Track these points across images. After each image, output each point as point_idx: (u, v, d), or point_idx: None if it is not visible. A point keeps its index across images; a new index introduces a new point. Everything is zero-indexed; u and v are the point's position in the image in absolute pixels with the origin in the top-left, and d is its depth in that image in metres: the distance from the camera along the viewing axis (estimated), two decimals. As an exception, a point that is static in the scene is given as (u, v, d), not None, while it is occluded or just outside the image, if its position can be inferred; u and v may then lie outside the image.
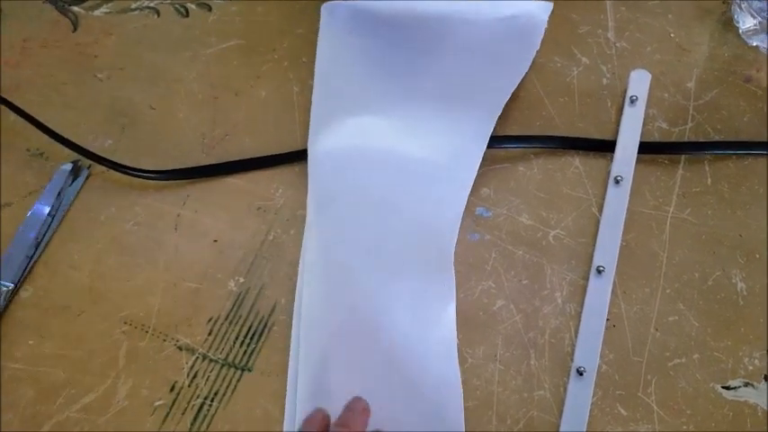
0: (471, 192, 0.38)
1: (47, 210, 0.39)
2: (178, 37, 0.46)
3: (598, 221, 0.38)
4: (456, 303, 0.35)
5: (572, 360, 0.34)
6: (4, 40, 0.46)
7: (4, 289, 0.37)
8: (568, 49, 0.44)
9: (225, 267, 0.38)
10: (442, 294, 0.36)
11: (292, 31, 0.46)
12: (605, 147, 0.40)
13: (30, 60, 0.46)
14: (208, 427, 0.34)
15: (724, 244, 0.37)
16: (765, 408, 0.33)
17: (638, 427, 0.33)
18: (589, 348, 0.34)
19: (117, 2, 0.48)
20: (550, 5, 0.41)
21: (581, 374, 0.34)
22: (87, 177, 0.41)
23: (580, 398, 0.33)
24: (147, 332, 0.36)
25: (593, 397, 0.33)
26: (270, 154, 0.41)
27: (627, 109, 0.41)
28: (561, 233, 0.38)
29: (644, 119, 0.40)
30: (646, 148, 0.39)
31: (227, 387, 0.35)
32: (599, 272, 0.36)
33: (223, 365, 0.35)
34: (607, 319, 0.35)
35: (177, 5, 0.48)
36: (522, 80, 0.41)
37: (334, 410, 0.30)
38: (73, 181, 0.40)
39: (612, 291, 0.36)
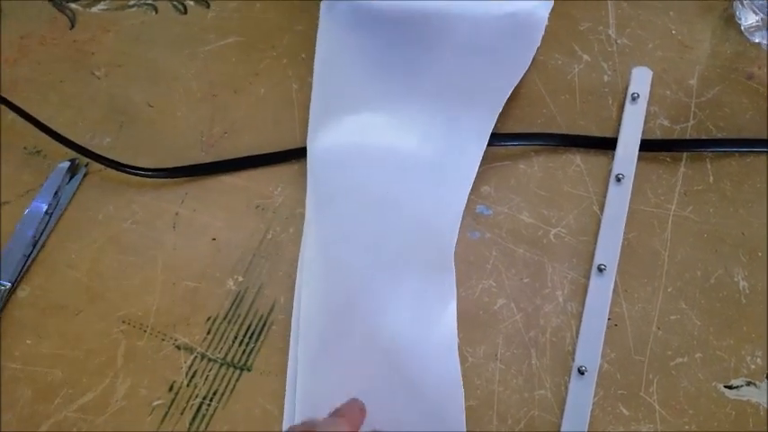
0: (472, 190, 0.38)
1: (44, 208, 0.39)
2: (176, 34, 0.46)
3: (599, 220, 0.38)
4: (456, 302, 0.35)
5: (573, 359, 0.34)
6: (1, 38, 0.46)
7: (2, 288, 0.37)
8: (569, 46, 0.44)
9: (223, 266, 0.37)
10: (442, 293, 0.35)
11: (291, 28, 0.46)
12: (606, 144, 0.40)
13: (27, 58, 0.45)
14: (207, 426, 0.33)
15: (726, 242, 0.37)
16: (767, 407, 0.33)
17: (640, 426, 0.33)
18: (590, 347, 0.34)
19: (115, -1, 0.48)
20: (551, 3, 0.41)
21: (582, 374, 0.33)
22: (85, 175, 0.41)
23: (581, 397, 0.33)
24: (145, 331, 0.36)
25: (594, 396, 0.33)
26: (269, 152, 0.41)
27: (628, 106, 0.40)
28: (562, 231, 0.38)
29: (645, 116, 0.40)
30: (647, 146, 0.39)
31: (226, 386, 0.34)
32: (600, 270, 0.36)
33: (222, 365, 0.35)
34: (608, 318, 0.35)
35: (175, 2, 0.47)
36: (523, 78, 0.40)
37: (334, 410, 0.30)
38: (70, 179, 0.40)
39: (614, 289, 0.36)
